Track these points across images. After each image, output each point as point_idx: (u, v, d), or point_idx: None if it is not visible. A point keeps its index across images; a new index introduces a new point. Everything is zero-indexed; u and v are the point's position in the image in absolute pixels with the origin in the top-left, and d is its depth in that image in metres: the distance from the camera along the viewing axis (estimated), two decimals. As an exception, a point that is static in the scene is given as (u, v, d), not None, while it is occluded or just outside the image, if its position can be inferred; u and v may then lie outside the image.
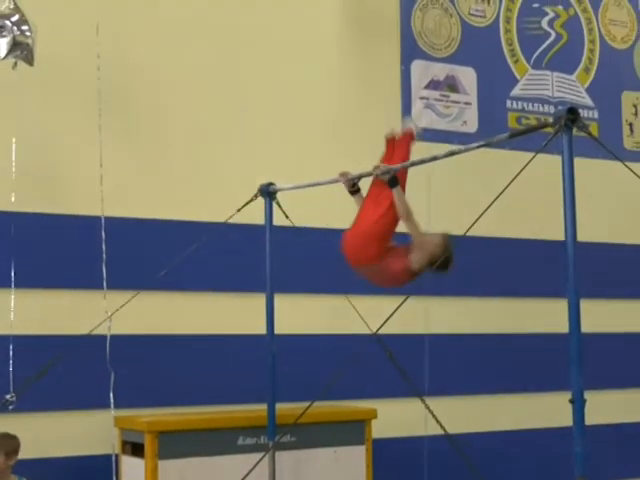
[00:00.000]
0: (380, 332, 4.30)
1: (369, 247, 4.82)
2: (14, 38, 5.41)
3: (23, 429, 5.39)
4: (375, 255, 4.82)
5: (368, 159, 5.05)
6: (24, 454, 5.33)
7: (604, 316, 7.63)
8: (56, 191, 6.02)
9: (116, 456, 5.78)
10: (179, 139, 6.48)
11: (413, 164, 4.78)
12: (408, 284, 4.87)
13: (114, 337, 5.86)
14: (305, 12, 7.01)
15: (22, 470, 5.31)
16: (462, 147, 4.57)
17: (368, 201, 4.94)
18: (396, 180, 4.71)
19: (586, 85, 8.21)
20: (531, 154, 3.70)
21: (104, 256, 5.93)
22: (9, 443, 5.15)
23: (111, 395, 5.84)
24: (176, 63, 6.50)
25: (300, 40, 6.94)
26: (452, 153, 4.57)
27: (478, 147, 4.54)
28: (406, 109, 7.26)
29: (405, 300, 4.11)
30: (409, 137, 5.08)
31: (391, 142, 5.08)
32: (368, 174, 4.87)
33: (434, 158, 4.61)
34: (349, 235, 4.92)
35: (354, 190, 5.05)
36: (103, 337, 5.78)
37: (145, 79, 6.37)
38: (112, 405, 5.84)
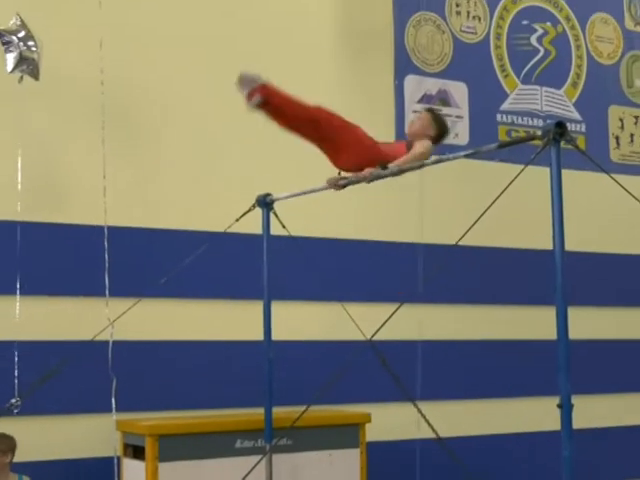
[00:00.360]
0: (374, 338, 4.41)
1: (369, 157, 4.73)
2: (20, 53, 5.54)
3: (28, 432, 5.52)
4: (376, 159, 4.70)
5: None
6: (29, 456, 5.46)
7: (591, 323, 7.69)
8: (60, 201, 6.09)
9: (118, 458, 5.85)
10: (179, 151, 6.54)
11: (402, 171, 4.68)
12: None
13: (116, 343, 5.94)
14: (301, 27, 7.08)
15: (26, 471, 5.41)
16: (450, 155, 4.62)
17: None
18: (385, 163, 4.63)
19: (574, 99, 8.28)
20: (521, 166, 3.79)
21: (106, 264, 6.01)
22: (4, 442, 5.28)
23: (113, 399, 5.91)
24: (177, 77, 6.56)
25: (295, 55, 6.97)
26: (440, 160, 4.65)
27: (466, 155, 4.62)
28: (400, 122, 7.33)
29: (399, 307, 4.20)
30: (267, 88, 4.72)
31: (266, 106, 4.74)
32: (358, 181, 4.81)
33: (422, 165, 4.67)
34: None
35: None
36: (105, 343, 5.87)
37: (147, 93, 6.44)
38: (114, 409, 5.91)
